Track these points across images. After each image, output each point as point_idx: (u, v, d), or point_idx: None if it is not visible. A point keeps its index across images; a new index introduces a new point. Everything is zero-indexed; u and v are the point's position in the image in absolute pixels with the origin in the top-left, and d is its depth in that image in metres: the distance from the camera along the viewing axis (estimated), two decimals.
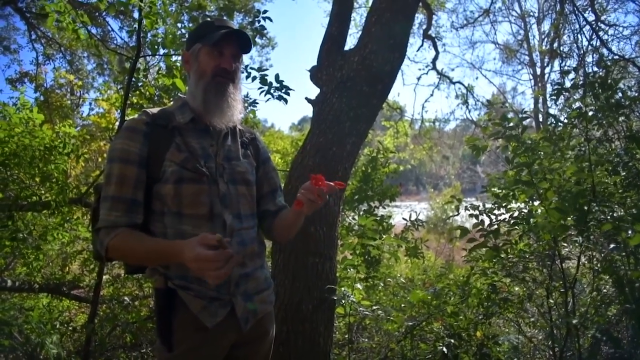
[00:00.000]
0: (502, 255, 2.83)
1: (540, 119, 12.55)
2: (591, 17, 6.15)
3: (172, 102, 1.64)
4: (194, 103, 1.45)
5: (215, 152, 1.45)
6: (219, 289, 1.38)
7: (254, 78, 3.73)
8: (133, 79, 3.55)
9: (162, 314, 1.37)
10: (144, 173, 1.37)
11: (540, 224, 2.54)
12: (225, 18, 1.53)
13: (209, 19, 1.53)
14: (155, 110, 1.46)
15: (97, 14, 8.48)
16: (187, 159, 1.38)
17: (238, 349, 1.46)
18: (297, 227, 1.55)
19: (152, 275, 1.41)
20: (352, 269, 3.57)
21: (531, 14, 15.64)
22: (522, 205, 3.12)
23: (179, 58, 3.72)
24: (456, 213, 3.57)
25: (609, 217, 2.55)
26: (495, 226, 2.87)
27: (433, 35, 9.36)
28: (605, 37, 6.19)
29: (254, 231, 1.50)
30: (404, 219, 5.84)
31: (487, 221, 3.08)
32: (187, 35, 4.05)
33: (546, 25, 13.93)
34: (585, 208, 2.54)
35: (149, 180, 1.37)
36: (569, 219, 2.55)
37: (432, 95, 28.25)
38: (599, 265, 2.91)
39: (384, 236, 5.06)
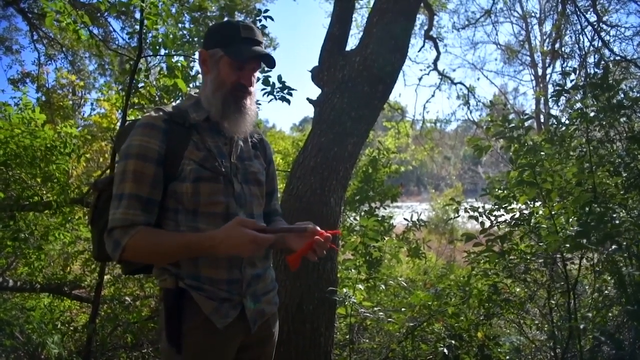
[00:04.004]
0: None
1: (542, 120, 12.55)
2: (593, 18, 6.15)
3: (174, 102, 1.63)
4: (209, 108, 1.43)
5: (229, 151, 1.45)
6: (231, 289, 1.37)
7: (257, 79, 3.74)
8: (134, 80, 3.56)
9: (172, 315, 1.34)
10: (161, 171, 1.33)
11: (551, 244, 2.52)
12: (250, 25, 1.46)
13: (234, 22, 1.45)
14: (169, 107, 1.44)
15: (98, 14, 8.49)
16: (206, 157, 1.37)
17: (245, 352, 1.45)
18: (280, 247, 1.55)
19: (161, 275, 1.38)
20: (353, 270, 3.57)
21: (533, 14, 15.65)
22: (523, 206, 3.11)
23: (181, 58, 3.73)
24: (456, 215, 3.57)
25: (610, 219, 2.54)
26: (503, 232, 2.87)
27: (434, 35, 9.36)
28: (607, 37, 6.18)
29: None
30: (405, 219, 5.84)
31: (487, 223, 3.08)
32: (187, 35, 4.08)
33: (548, 26, 13.94)
34: (597, 216, 2.50)
35: (165, 178, 1.34)
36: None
37: (433, 95, 28.27)
38: (600, 266, 2.91)
39: (386, 238, 5.07)
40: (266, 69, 3.80)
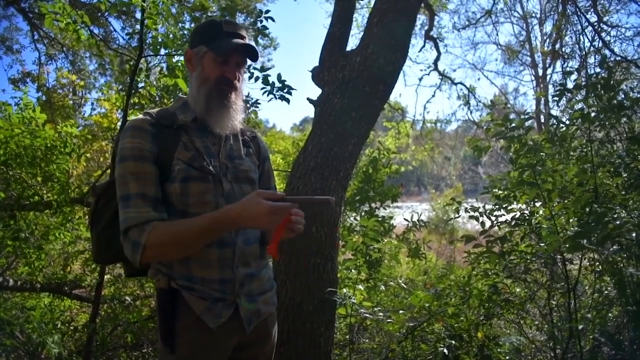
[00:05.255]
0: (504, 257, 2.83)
1: (542, 120, 12.55)
2: (593, 18, 6.15)
3: (172, 103, 1.62)
4: (195, 106, 1.43)
5: (218, 151, 1.45)
6: (224, 289, 1.37)
7: (257, 78, 3.74)
8: (135, 79, 3.56)
9: (165, 314, 1.35)
10: (157, 171, 1.34)
11: (551, 244, 2.52)
12: (232, 21, 1.49)
13: (216, 19, 1.48)
14: (155, 111, 1.44)
15: (99, 14, 8.49)
16: (194, 157, 1.37)
17: (241, 351, 1.45)
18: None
19: (155, 276, 1.39)
20: (353, 270, 3.57)
21: (533, 14, 15.66)
22: (524, 206, 3.11)
23: (181, 58, 3.73)
24: (457, 215, 3.57)
25: (611, 219, 2.54)
26: (503, 232, 2.87)
27: (435, 36, 9.35)
28: (608, 38, 6.18)
29: (257, 230, 1.49)
30: (405, 219, 5.84)
31: (487, 223, 3.08)
32: (189, 34, 4.08)
33: (548, 26, 13.92)
34: (597, 217, 2.51)
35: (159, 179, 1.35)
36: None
37: (433, 96, 28.24)
38: (600, 267, 2.91)
39: (386, 240, 5.07)
40: (265, 68, 3.82)
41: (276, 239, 1.30)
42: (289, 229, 1.31)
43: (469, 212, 3.19)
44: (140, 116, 1.40)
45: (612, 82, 2.95)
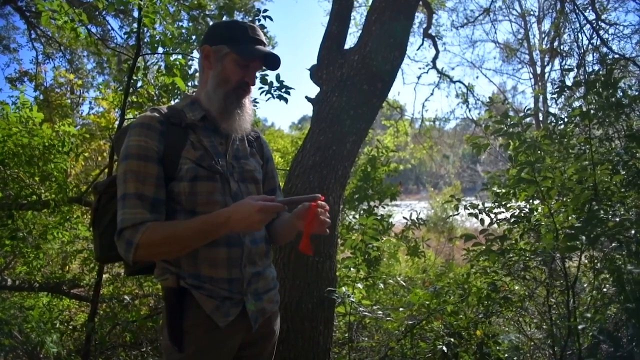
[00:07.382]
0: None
1: (541, 118, 12.55)
2: (592, 16, 6.15)
3: (173, 100, 1.62)
4: (208, 105, 1.43)
5: (225, 150, 1.45)
6: (232, 288, 1.37)
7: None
8: (133, 78, 3.55)
9: (174, 313, 1.35)
10: (162, 170, 1.33)
11: (548, 244, 2.52)
12: (256, 27, 1.48)
13: (240, 22, 1.47)
14: (164, 108, 1.44)
15: (97, 12, 8.46)
16: (203, 156, 1.38)
17: (245, 349, 1.46)
18: (290, 238, 1.56)
19: (162, 275, 1.39)
20: (352, 269, 3.57)
21: (531, 12, 15.64)
22: (523, 204, 3.11)
23: (179, 57, 3.72)
24: (456, 213, 3.57)
25: (610, 217, 2.54)
26: (502, 230, 2.87)
27: (433, 34, 9.36)
28: (606, 36, 6.19)
29: (263, 230, 1.50)
30: (404, 218, 5.84)
31: (487, 220, 3.08)
32: (186, 34, 4.07)
33: (546, 24, 13.94)
34: (593, 213, 2.51)
35: (165, 179, 1.34)
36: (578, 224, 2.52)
37: (432, 94, 28.47)
38: (599, 264, 2.91)
39: (385, 238, 5.07)
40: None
41: (307, 234, 1.32)
42: (318, 222, 1.33)
43: (468, 209, 3.19)
44: (149, 113, 1.40)
45: (611, 79, 2.94)
